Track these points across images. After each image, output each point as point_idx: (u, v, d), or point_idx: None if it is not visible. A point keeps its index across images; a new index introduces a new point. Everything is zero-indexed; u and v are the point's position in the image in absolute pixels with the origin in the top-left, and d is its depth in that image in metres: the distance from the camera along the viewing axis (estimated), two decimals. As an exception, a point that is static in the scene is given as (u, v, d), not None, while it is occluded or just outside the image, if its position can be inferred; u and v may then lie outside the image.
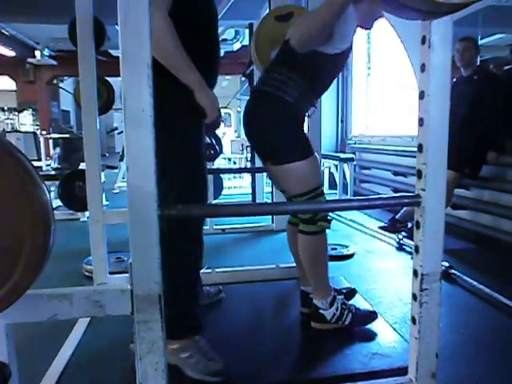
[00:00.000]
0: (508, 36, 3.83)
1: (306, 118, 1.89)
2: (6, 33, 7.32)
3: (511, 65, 3.22)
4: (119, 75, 0.85)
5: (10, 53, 8.15)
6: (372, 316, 1.81)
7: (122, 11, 0.83)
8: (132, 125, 0.86)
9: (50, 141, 6.60)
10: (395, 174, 4.53)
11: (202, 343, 1.47)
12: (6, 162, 0.67)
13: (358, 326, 1.76)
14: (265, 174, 4.85)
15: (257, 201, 4.47)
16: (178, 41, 1.29)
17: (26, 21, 6.00)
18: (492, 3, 3.29)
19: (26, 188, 0.67)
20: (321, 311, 1.75)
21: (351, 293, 1.99)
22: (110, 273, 2.22)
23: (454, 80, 3.20)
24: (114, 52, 6.65)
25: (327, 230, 1.71)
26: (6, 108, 7.39)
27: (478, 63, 3.11)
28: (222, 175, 4.71)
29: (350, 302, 1.83)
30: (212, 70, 1.50)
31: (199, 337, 1.48)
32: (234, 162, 7.91)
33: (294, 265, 2.46)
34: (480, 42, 3.29)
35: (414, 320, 1.11)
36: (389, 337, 1.74)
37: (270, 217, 3.76)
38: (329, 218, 1.70)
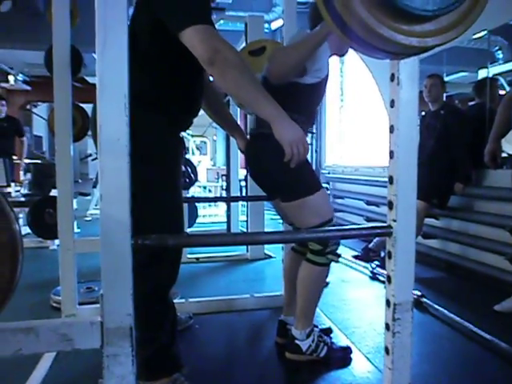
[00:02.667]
0: (471, 74, 4.06)
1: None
2: (-21, 57, 7.23)
3: (474, 101, 3.39)
4: (95, 102, 0.85)
5: (-18, 77, 8.03)
6: (347, 351, 1.82)
7: (100, 40, 0.84)
8: (107, 153, 0.86)
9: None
10: (368, 203, 4.61)
11: (180, 381, 1.42)
12: (-26, 190, 0.65)
13: (333, 359, 1.76)
14: (240, 202, 4.87)
15: (232, 230, 4.45)
16: (253, 75, 1.24)
17: (1, 46, 5.95)
18: (455, 44, 3.49)
19: (-6, 217, 0.65)
20: (297, 342, 1.74)
21: (327, 331, 1.98)
22: (80, 303, 2.14)
23: (423, 114, 3.35)
24: (90, 79, 6.64)
25: None
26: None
27: (445, 99, 3.26)
28: (197, 203, 4.69)
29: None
30: (190, 112, 1.48)
31: (178, 374, 1.43)
32: (210, 191, 7.90)
33: (269, 294, 2.45)
34: (445, 79, 3.46)
35: (387, 350, 1.11)
36: (363, 367, 1.74)
37: (245, 246, 3.75)
38: (337, 252, 1.71)
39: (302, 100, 1.66)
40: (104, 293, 0.86)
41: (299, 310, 1.74)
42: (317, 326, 1.85)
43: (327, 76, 1.71)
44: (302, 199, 1.61)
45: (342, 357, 1.79)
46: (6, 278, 0.66)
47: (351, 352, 1.82)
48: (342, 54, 1.78)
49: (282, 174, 1.60)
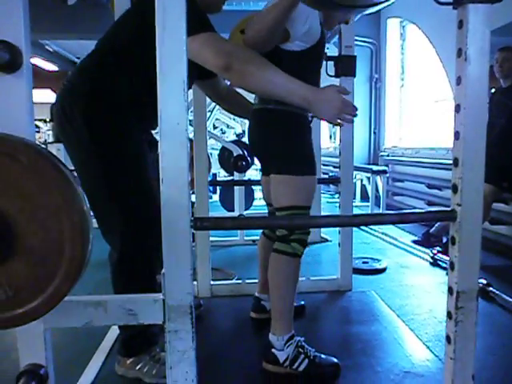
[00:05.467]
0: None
1: (338, 129, 1.84)
2: (50, 49, 7.71)
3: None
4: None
5: (52, 67, 8.56)
6: (333, 369, 1.54)
7: (159, 28, 0.86)
8: (167, 138, 0.88)
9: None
10: (429, 186, 4.42)
11: (155, 351, 1.51)
12: (49, 174, 0.70)
13: (314, 376, 1.53)
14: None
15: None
16: (268, 63, 1.22)
17: (68, 38, 6.29)
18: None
19: (66, 199, 0.70)
20: (273, 351, 1.53)
21: (300, 309, 1.96)
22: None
23: (493, 91, 3.12)
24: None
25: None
26: (47, 119, 7.78)
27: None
28: (253, 186, 4.74)
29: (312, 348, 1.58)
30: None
31: (155, 348, 1.53)
32: (265, 173, 7.93)
33: (325, 278, 2.45)
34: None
35: (448, 339, 1.08)
36: (422, 355, 1.69)
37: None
38: (304, 242, 1.57)
39: (293, 70, 1.36)
40: (165, 272, 0.90)
41: (274, 311, 1.56)
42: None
43: (321, 43, 1.53)
44: (290, 176, 1.52)
45: (325, 374, 1.53)
46: (78, 254, 0.71)
47: (339, 370, 1.54)
48: (327, 29, 1.64)
49: (281, 147, 1.53)
